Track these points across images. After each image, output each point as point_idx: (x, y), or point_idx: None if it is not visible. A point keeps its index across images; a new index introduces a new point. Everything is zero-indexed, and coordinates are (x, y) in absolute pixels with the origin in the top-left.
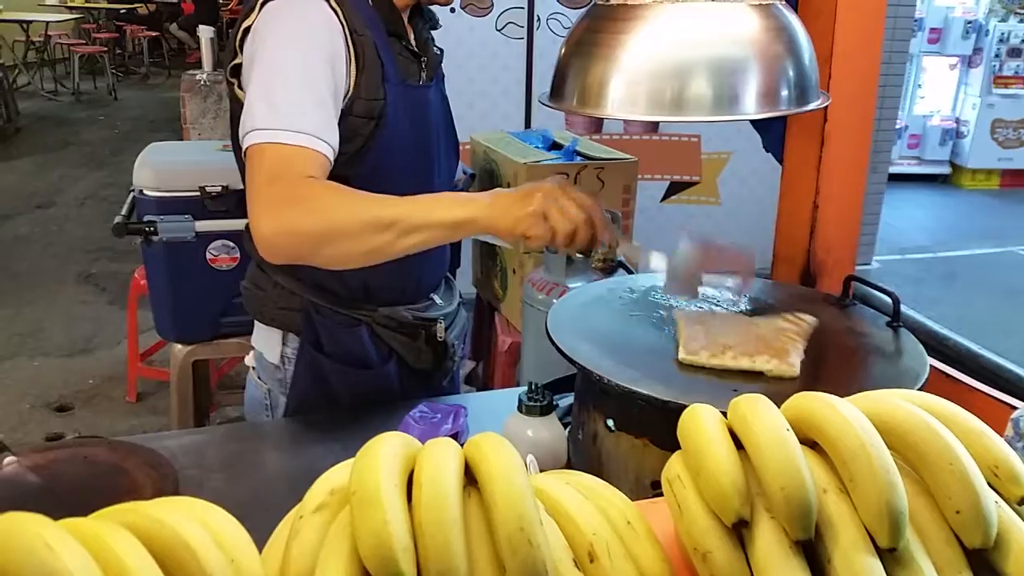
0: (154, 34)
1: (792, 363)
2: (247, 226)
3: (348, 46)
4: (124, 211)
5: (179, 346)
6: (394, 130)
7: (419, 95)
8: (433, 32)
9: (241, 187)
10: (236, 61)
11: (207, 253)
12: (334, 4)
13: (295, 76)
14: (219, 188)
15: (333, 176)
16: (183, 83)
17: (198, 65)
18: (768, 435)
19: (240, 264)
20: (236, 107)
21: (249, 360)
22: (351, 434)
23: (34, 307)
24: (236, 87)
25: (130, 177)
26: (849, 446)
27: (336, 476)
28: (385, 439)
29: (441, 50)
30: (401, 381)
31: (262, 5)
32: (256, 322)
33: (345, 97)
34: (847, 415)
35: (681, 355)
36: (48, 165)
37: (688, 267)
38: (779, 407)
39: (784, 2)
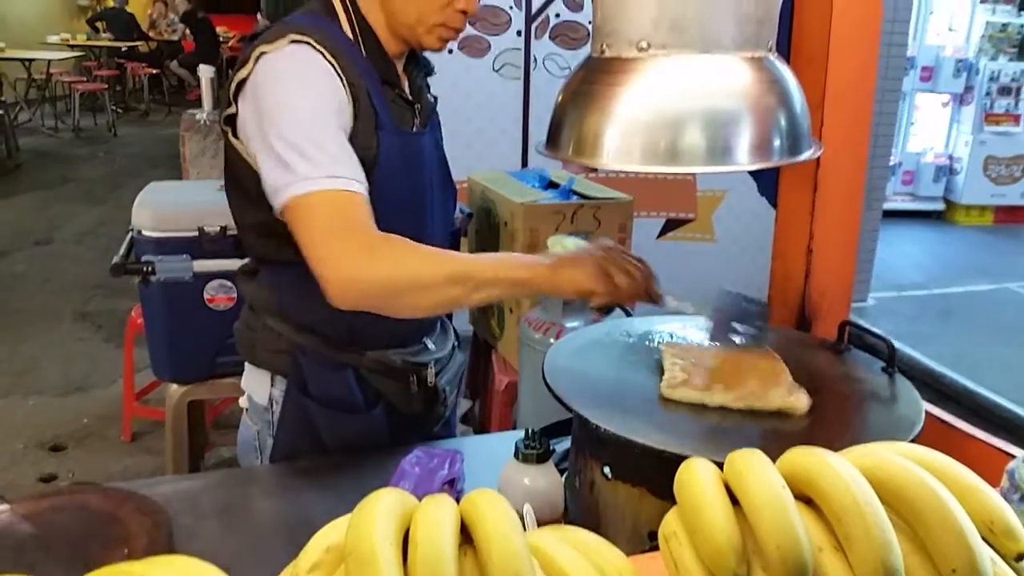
0: (154, 71)
1: (799, 398)
2: (241, 267)
3: (348, 96)
4: (122, 251)
5: (175, 386)
6: (387, 176)
7: (412, 142)
8: (428, 77)
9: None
10: (230, 111)
11: (204, 293)
12: (329, 57)
13: (316, 126)
14: (217, 228)
15: None
16: (183, 122)
17: (198, 102)
18: (763, 492)
19: (237, 304)
20: (231, 153)
21: (243, 401)
22: (345, 481)
23: (30, 345)
24: (231, 135)
25: (128, 214)
26: (843, 503)
27: (332, 533)
28: (381, 496)
29: (435, 97)
30: (391, 426)
31: (257, 58)
32: (247, 363)
33: None
34: (841, 471)
35: (669, 392)
36: (47, 201)
37: (725, 315)
38: (774, 449)
39: (776, 52)
